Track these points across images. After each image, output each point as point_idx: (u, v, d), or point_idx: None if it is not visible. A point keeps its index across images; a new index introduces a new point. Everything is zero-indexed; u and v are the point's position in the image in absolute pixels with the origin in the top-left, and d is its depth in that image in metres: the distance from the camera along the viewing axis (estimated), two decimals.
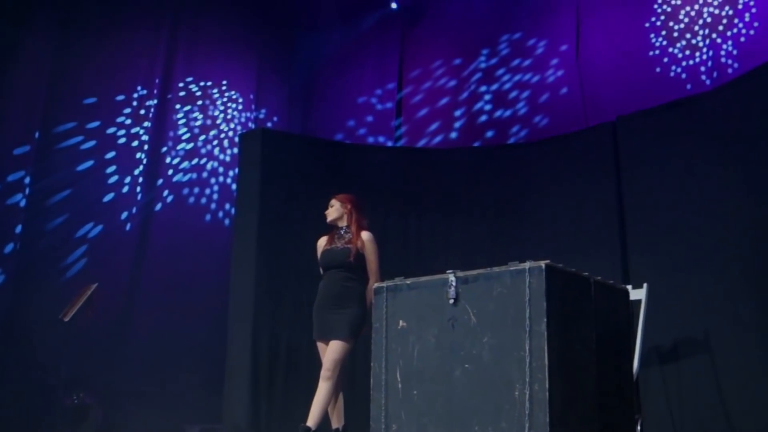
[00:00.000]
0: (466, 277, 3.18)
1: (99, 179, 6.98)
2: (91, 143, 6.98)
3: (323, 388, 4.38)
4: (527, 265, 2.99)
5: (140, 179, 7.19)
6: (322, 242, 4.75)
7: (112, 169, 7.06)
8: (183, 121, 7.65)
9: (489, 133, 7.63)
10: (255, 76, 8.21)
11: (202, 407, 6.59)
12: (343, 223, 4.70)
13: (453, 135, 7.82)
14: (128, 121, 7.23)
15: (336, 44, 8.43)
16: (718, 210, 5.27)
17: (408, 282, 3.40)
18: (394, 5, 8.29)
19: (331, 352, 4.43)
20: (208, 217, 7.62)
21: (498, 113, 7.65)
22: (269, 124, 8.22)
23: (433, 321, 3.24)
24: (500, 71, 7.72)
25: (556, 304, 2.95)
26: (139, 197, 7.17)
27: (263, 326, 5.89)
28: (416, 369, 3.25)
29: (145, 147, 7.28)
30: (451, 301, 3.19)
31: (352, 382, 5.25)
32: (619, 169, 6.04)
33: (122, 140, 7.17)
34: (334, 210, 4.72)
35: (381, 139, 8.14)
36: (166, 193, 7.39)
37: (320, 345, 4.58)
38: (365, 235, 4.63)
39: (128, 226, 7.06)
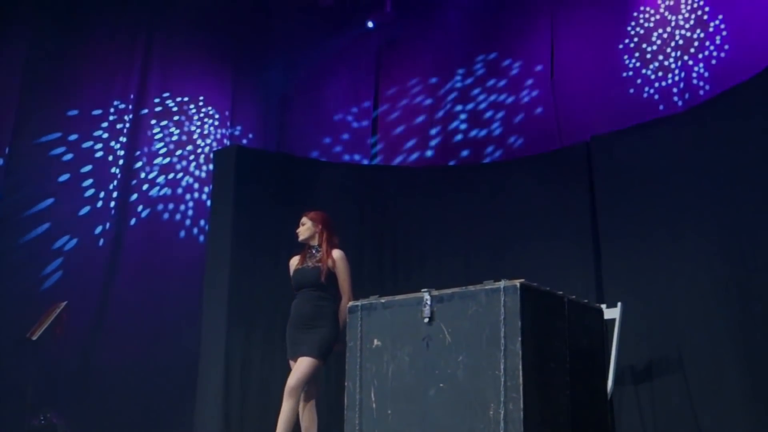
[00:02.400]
0: (441, 295, 3.16)
1: (74, 193, 6.89)
2: (69, 156, 6.91)
3: (287, 406, 4.32)
4: (502, 284, 2.98)
5: (114, 194, 7.11)
6: (295, 261, 4.72)
7: (88, 182, 6.99)
8: (159, 136, 7.58)
9: (464, 152, 7.66)
10: (230, 93, 8.16)
11: (173, 427, 6.48)
12: (315, 242, 4.67)
13: (429, 153, 7.84)
14: (105, 135, 7.16)
15: (312, 62, 8.43)
16: (692, 229, 5.32)
17: (383, 301, 3.38)
18: (370, 23, 8.31)
19: (297, 368, 4.39)
20: (182, 233, 7.54)
21: (473, 133, 7.68)
22: (245, 141, 8.18)
23: (407, 340, 3.21)
24: (476, 91, 7.76)
25: (531, 323, 2.94)
26: (112, 212, 7.08)
27: (236, 345, 5.82)
28: (391, 388, 3.22)
29: (120, 162, 7.20)
30: (426, 319, 3.17)
31: (326, 401, 5.19)
32: (593, 189, 6.08)
33: (99, 154, 7.10)
34: (306, 229, 4.69)
35: (357, 156, 8.13)
36: (140, 208, 7.30)
37: (293, 364, 4.53)
38: (336, 253, 4.61)
39: (101, 242, 6.96)
